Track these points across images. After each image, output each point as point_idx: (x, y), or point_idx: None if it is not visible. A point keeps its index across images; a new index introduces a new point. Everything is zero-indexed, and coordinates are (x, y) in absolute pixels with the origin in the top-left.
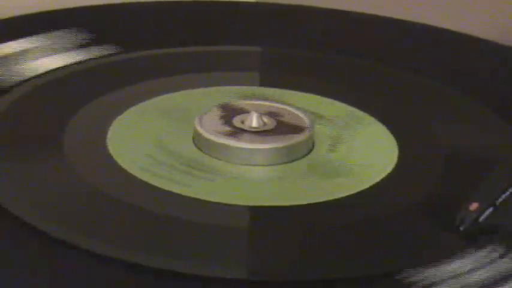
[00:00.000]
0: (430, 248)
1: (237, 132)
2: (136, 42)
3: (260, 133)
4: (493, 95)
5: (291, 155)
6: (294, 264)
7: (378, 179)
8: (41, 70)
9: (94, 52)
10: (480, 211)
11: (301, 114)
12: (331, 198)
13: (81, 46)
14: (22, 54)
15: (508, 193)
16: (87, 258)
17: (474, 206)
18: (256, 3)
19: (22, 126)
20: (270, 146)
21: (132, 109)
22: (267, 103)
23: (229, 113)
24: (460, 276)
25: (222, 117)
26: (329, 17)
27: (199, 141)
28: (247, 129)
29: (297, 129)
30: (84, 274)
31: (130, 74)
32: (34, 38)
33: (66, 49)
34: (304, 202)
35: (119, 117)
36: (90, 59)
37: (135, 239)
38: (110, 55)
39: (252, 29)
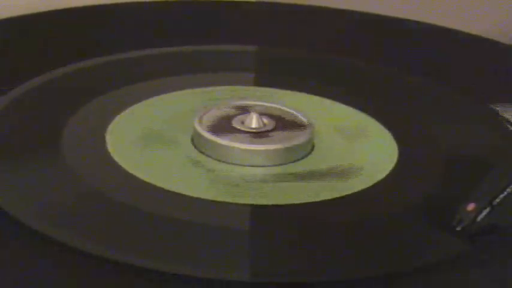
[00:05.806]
0: (428, 248)
1: (236, 133)
2: (134, 42)
3: (260, 134)
4: (493, 95)
5: (291, 156)
6: (293, 265)
7: (378, 179)
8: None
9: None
10: (477, 211)
11: (300, 115)
12: (330, 198)
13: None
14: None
15: (505, 193)
16: (87, 259)
17: (471, 206)
18: (256, 3)
19: (22, 126)
20: (270, 147)
21: (131, 109)
22: (266, 104)
23: (228, 114)
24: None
25: (221, 118)
26: (329, 17)
27: (198, 141)
28: (247, 130)
29: (296, 130)
30: (82, 275)
31: (129, 74)
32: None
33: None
34: (304, 202)
35: (118, 116)
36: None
37: (134, 240)
38: (108, 55)
39: (250, 29)
